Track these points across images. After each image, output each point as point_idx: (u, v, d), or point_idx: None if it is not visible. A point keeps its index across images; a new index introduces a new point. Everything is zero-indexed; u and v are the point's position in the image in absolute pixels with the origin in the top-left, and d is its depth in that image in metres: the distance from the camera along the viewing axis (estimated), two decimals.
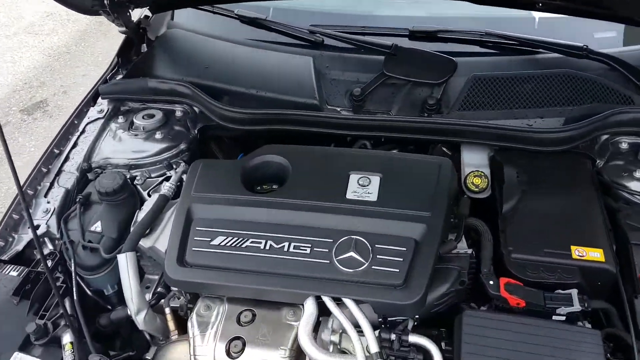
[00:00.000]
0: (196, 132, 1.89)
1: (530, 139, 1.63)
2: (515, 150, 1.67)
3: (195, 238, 1.46)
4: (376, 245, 1.37)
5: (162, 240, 1.56)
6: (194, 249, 1.44)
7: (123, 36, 2.14)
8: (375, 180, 1.51)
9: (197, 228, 1.48)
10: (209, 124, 1.88)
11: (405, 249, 1.36)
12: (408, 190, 1.47)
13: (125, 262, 1.48)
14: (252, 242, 1.43)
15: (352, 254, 1.36)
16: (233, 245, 1.43)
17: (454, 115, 1.74)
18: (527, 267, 1.36)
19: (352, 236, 1.39)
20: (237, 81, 1.89)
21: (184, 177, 1.66)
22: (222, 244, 1.44)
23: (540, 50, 1.80)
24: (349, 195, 1.48)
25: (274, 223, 1.46)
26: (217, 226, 1.47)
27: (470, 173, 1.60)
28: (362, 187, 1.50)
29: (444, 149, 1.85)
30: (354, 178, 1.52)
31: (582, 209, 1.48)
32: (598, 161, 1.63)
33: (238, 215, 1.48)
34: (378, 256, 1.35)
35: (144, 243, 1.57)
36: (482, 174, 1.59)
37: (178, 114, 1.93)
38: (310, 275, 1.35)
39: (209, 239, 1.45)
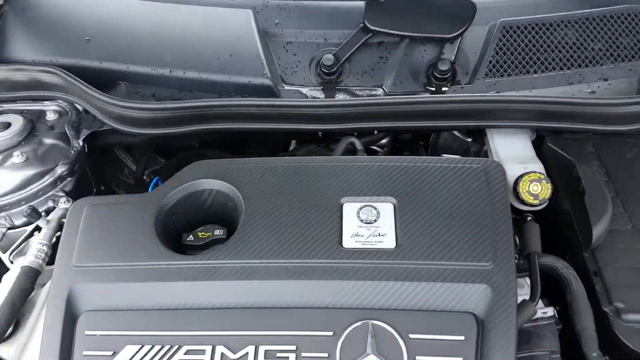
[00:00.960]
0: (81, 142, 1.18)
1: (595, 115, 1.08)
2: (567, 134, 1.12)
3: (85, 352, 0.81)
4: (411, 336, 0.78)
5: (31, 350, 0.90)
6: None
7: None
8: (387, 209, 0.91)
9: (86, 332, 0.83)
10: (101, 128, 1.19)
11: (462, 337, 0.78)
12: (445, 223, 0.88)
13: None
14: (189, 351, 0.80)
15: (371, 358, 0.76)
16: None
17: (478, 87, 1.15)
18: None
19: (368, 320, 0.79)
20: (138, 57, 1.19)
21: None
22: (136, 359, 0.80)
23: None
24: (348, 242, 0.87)
25: (223, 308, 0.83)
26: (124, 325, 0.83)
27: (524, 176, 1.02)
28: (367, 224, 0.89)
29: (457, 132, 1.27)
30: (350, 209, 0.91)
31: None
32: None
33: (158, 299, 0.84)
34: (418, 358, 0.76)
35: (2, 354, 0.91)
36: (542, 176, 1.02)
37: (50, 117, 1.22)
38: None
39: (111, 353, 0.81)
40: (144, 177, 1.37)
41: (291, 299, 0.83)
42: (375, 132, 1.21)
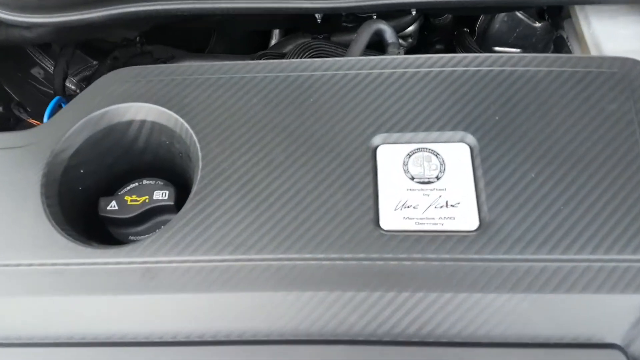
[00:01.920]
0: None
1: None
2: None
3: None
4: None
5: None
6: None
7: None
8: (458, 156, 0.51)
9: None
10: None
11: None
12: (567, 180, 0.48)
13: None
14: None
15: None
16: None
17: None
18: None
19: None
20: None
21: None
22: None
23: None
24: (389, 219, 0.48)
25: (170, 342, 0.46)
26: None
27: None
28: (424, 184, 0.50)
29: (520, 13, 0.85)
30: (391, 157, 0.51)
31: None
32: None
33: (60, 324, 0.47)
34: None
35: None
36: None
37: None
38: None
39: None
40: (72, 88, 0.94)
41: (286, 326, 0.46)
42: (409, 12, 0.76)
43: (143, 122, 0.56)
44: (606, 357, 0.44)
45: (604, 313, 0.45)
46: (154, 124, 0.56)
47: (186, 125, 0.53)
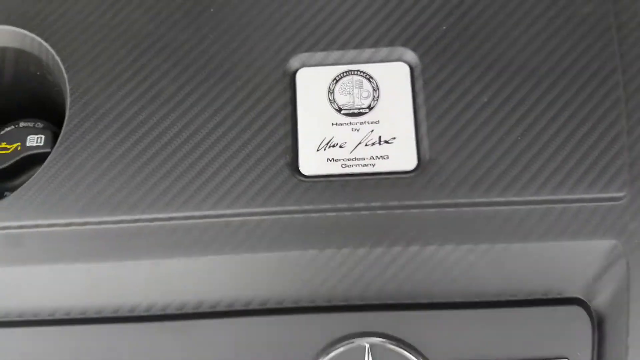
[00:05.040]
0: None
1: None
2: None
3: None
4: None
5: None
6: None
7: None
8: (396, 77, 0.41)
9: None
10: None
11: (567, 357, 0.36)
12: (524, 104, 0.39)
13: None
14: None
15: None
16: None
17: None
18: None
19: (360, 339, 0.36)
20: None
21: None
22: None
23: None
24: (311, 162, 0.39)
25: (38, 323, 0.38)
26: None
27: None
28: (352, 116, 0.40)
29: None
30: (313, 82, 0.41)
31: None
32: None
33: None
34: None
35: None
36: None
37: None
38: None
39: None
40: None
41: (189, 297, 0.38)
42: None
43: (4, 49, 0.44)
44: (566, 313, 0.37)
45: (565, 263, 0.38)
46: (17, 51, 0.44)
47: (51, 50, 0.42)
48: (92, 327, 0.37)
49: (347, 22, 0.41)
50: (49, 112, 0.47)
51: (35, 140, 0.46)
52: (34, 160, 0.46)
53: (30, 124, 0.47)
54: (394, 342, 0.36)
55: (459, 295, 0.37)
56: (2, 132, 0.47)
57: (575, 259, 0.37)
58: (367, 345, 0.36)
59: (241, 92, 0.40)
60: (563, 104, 0.39)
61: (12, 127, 0.47)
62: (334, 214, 0.38)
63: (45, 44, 0.42)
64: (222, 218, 0.37)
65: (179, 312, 0.37)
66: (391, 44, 0.41)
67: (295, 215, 0.38)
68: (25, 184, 0.39)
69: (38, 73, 0.46)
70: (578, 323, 0.37)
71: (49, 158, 0.39)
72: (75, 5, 0.43)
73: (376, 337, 0.36)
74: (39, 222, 0.38)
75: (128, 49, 0.41)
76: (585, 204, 0.37)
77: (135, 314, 0.37)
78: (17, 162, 0.45)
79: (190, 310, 0.37)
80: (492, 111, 0.39)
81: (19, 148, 0.45)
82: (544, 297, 0.37)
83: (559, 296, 0.37)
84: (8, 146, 0.46)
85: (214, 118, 0.39)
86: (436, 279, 0.37)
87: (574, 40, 0.40)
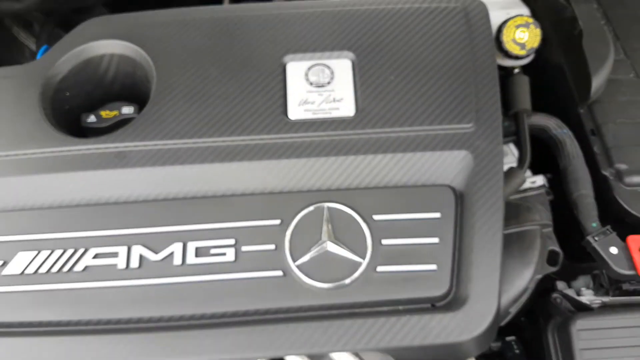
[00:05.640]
0: None
1: None
2: None
3: None
4: (375, 218, 0.63)
5: None
6: None
7: None
8: (343, 68, 0.71)
9: None
10: None
11: (438, 213, 0.63)
12: (416, 79, 0.70)
13: None
14: (97, 254, 0.63)
15: (328, 245, 0.62)
16: (57, 269, 0.62)
17: None
18: None
19: (323, 204, 0.64)
20: None
21: None
22: (32, 269, 0.63)
23: None
24: (295, 111, 0.69)
25: (140, 201, 0.65)
26: (15, 228, 0.65)
27: (508, 22, 0.83)
28: (319, 87, 0.70)
29: None
30: (296, 70, 0.71)
31: None
32: None
33: (55, 194, 0.66)
34: (384, 241, 0.62)
35: None
36: (530, 20, 0.83)
37: None
38: (244, 312, 0.60)
39: (0, 263, 0.63)
40: None
41: (225, 186, 0.66)
42: None
43: (112, 55, 0.75)
44: (438, 192, 0.65)
45: (439, 165, 0.66)
46: (120, 56, 0.75)
47: (145, 54, 0.72)
48: (168, 203, 0.64)
49: (316, 37, 0.72)
50: (134, 99, 0.77)
51: (127, 110, 0.75)
52: (126, 121, 0.75)
53: (121, 103, 0.77)
54: (342, 204, 0.63)
55: (374, 184, 0.64)
56: (104, 106, 0.77)
57: (444, 162, 0.65)
58: (325, 206, 0.63)
59: (256, 74, 0.70)
60: (437, 80, 0.69)
61: (108, 104, 0.77)
62: (309, 139, 0.66)
63: (142, 51, 0.73)
64: (245, 141, 0.66)
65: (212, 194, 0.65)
66: (341, 49, 0.72)
67: (287, 140, 0.66)
68: (127, 125, 0.68)
69: (131, 71, 0.76)
70: (447, 195, 0.64)
71: (143, 110, 0.68)
72: (158, 28, 0.74)
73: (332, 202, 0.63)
74: (137, 143, 0.66)
75: (190, 52, 0.72)
76: (449, 131, 0.66)
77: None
78: (116, 122, 0.74)
79: None
80: (396, 83, 0.69)
81: (117, 114, 0.75)
82: (426, 184, 0.65)
83: (435, 183, 0.65)
84: (110, 113, 0.76)
85: (240, 88, 0.69)
86: (367, 174, 0.65)
87: (444, 46, 0.71)
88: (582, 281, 0.73)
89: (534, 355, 0.71)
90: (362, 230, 0.62)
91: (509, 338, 0.75)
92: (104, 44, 0.74)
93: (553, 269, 0.68)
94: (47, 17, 1.09)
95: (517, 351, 0.73)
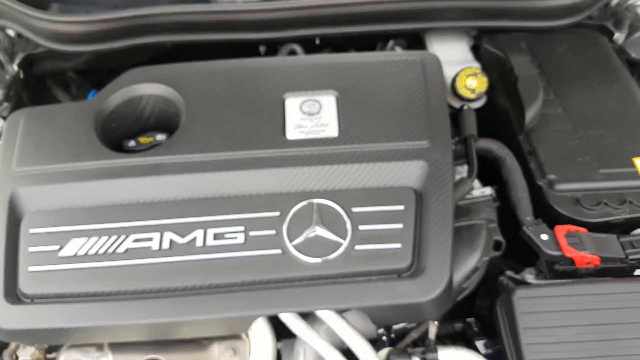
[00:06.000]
0: (16, 67, 1.14)
1: (527, 10, 1.11)
2: (502, 33, 1.15)
3: (31, 248, 0.81)
4: (354, 210, 0.81)
5: None
6: (32, 268, 0.80)
7: None
8: (329, 102, 0.92)
9: (31, 230, 0.82)
10: (36, 51, 1.15)
11: (402, 206, 0.81)
12: (385, 111, 0.90)
13: None
14: (136, 239, 0.80)
15: (317, 230, 0.79)
16: (103, 251, 0.80)
17: None
18: (581, 202, 0.88)
19: (313, 200, 0.82)
20: None
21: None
22: (83, 251, 0.80)
23: None
24: (291, 133, 0.89)
25: (170, 200, 0.84)
26: (69, 221, 0.82)
27: (460, 73, 1.06)
28: (310, 116, 0.91)
29: (398, 48, 1.29)
30: (293, 104, 0.92)
31: (625, 103, 1.02)
32: (617, 35, 1.17)
33: (102, 196, 0.84)
34: (361, 227, 0.80)
35: None
36: (478, 71, 1.06)
37: None
38: (251, 282, 0.77)
39: (57, 247, 0.81)
40: None
41: (237, 189, 0.84)
42: (317, 42, 1.21)
43: (150, 95, 0.97)
44: (402, 191, 0.83)
45: (402, 172, 0.84)
46: (158, 96, 0.96)
47: (177, 94, 0.94)
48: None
49: (309, 80, 0.94)
50: (167, 130, 0.97)
51: (161, 137, 0.96)
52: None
53: (156, 132, 0.97)
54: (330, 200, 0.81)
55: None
56: (141, 136, 0.97)
57: (407, 169, 0.84)
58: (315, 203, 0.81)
59: (263, 106, 0.91)
60: (394, 113, 0.89)
61: (145, 133, 0.97)
62: (302, 153, 0.85)
63: (174, 92, 0.94)
64: (252, 155, 0.85)
65: None
66: (328, 88, 0.93)
67: (286, 154, 0.85)
68: (159, 146, 0.88)
69: (164, 107, 0.97)
70: (409, 193, 0.82)
71: (173, 135, 0.89)
72: (187, 76, 0.96)
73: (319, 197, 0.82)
74: (170, 157, 0.86)
75: (213, 92, 0.93)
76: (410, 147, 0.86)
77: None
78: (151, 146, 0.94)
79: None
80: (367, 114, 0.90)
81: (153, 140, 0.95)
82: (395, 186, 0.84)
83: (400, 185, 0.84)
84: (147, 139, 0.96)
85: (251, 115, 0.90)
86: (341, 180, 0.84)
87: (404, 88, 0.92)
88: (526, 272, 0.89)
89: (489, 332, 0.86)
90: (343, 219, 0.80)
91: (469, 319, 0.90)
92: (143, 87, 0.96)
93: (497, 254, 0.85)
94: (85, 78, 1.34)
95: (475, 329, 0.88)
